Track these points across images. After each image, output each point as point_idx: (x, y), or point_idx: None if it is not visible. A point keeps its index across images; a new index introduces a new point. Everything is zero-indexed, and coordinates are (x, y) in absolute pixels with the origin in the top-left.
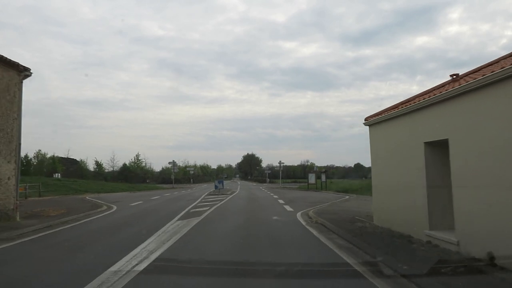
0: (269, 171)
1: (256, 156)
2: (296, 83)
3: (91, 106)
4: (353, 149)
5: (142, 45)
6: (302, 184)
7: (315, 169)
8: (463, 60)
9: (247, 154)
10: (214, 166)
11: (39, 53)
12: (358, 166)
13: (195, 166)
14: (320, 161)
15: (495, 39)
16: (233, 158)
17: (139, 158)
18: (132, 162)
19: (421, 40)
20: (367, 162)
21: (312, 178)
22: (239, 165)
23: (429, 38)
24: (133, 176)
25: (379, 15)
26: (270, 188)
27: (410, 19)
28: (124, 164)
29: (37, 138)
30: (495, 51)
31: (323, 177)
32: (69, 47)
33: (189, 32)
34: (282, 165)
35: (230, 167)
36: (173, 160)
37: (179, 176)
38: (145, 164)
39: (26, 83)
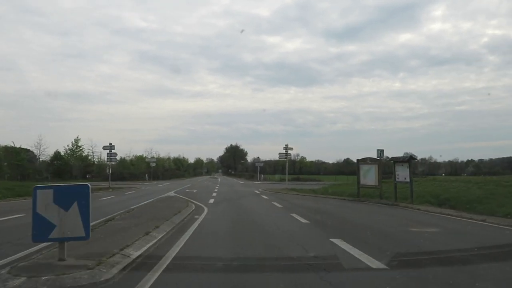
0: (261, 164)
1: (241, 148)
2: (279, 78)
3: (71, 99)
4: (336, 145)
5: (123, 36)
6: (315, 183)
7: (380, 156)
8: (445, 58)
9: (231, 145)
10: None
11: (16, 43)
12: (348, 162)
13: (168, 158)
14: (306, 157)
15: (476, 37)
16: (215, 152)
17: (79, 145)
18: (69, 149)
19: (404, 37)
20: (357, 157)
21: (370, 174)
22: (221, 158)
23: (412, 35)
24: (70, 169)
25: (363, 11)
26: (281, 197)
27: (393, 16)
28: (57, 153)
29: (13, 131)
30: (476, 49)
31: (403, 172)
32: (47, 37)
33: (171, 24)
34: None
35: (211, 161)
36: (110, 143)
37: (142, 169)
38: (91, 153)
39: (2, 74)
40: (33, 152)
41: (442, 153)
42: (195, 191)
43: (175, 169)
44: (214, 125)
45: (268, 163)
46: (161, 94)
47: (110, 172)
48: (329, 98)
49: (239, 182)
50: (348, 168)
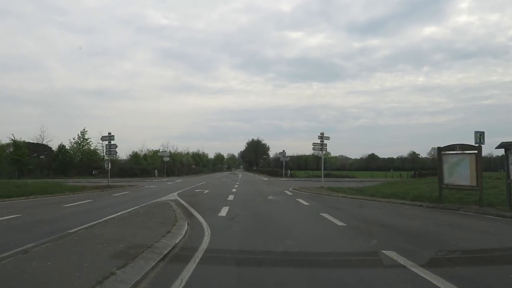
0: (287, 159)
1: (263, 142)
2: (301, 74)
3: (95, 96)
4: (359, 140)
5: (146, 34)
6: (350, 180)
7: (479, 142)
8: (471, 51)
9: (252, 140)
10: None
11: (42, 42)
12: (373, 158)
13: (186, 154)
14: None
15: (504, 29)
16: (238, 149)
17: (86, 138)
18: (75, 142)
19: (429, 30)
20: (381, 153)
21: (461, 169)
22: (242, 153)
23: (437, 28)
24: (76, 164)
25: (386, 5)
26: (328, 204)
27: (418, 9)
28: (61, 146)
29: (41, 127)
30: (503, 42)
31: None
32: (72, 36)
33: (193, 21)
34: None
35: (233, 156)
36: (109, 133)
37: (157, 164)
38: (101, 147)
39: (29, 72)
40: (51, 148)
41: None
42: (206, 191)
43: (194, 164)
44: (236, 122)
45: (291, 158)
46: (183, 90)
47: (109, 167)
48: (351, 94)
49: (262, 179)
50: (374, 163)
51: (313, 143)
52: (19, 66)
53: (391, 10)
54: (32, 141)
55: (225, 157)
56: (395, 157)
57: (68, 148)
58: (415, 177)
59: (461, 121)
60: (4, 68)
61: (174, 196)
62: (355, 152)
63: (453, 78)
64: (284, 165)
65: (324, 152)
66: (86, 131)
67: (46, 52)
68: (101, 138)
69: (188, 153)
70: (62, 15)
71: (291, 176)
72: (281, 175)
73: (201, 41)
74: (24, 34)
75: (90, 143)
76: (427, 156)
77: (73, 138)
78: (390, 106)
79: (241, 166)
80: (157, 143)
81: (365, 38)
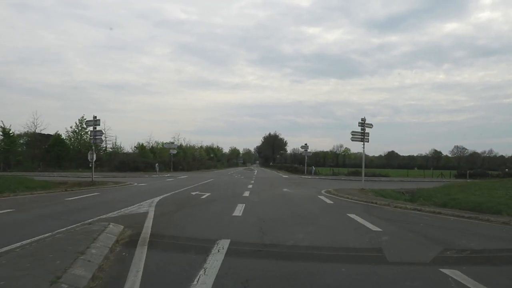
0: (310, 154)
1: (280, 137)
2: (318, 69)
3: (114, 90)
4: (376, 138)
5: (164, 28)
6: (388, 179)
7: None
8: (494, 48)
9: (269, 134)
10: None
11: (63, 36)
12: (392, 155)
13: (199, 147)
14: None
15: None
16: (253, 144)
17: (85, 127)
18: (72, 131)
19: (450, 26)
20: (399, 150)
21: None
22: (259, 148)
23: (459, 24)
24: (71, 155)
25: (406, 0)
26: (450, 238)
27: (439, 5)
28: (56, 136)
29: (61, 120)
30: None
31: None
32: (92, 30)
33: (211, 16)
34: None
35: (248, 152)
36: (94, 117)
37: (165, 157)
38: (103, 137)
39: (50, 66)
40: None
41: (487, 147)
42: (205, 196)
43: (207, 159)
44: (252, 117)
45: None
46: (201, 85)
47: (94, 159)
48: (369, 90)
49: (281, 177)
50: (395, 161)
51: (352, 131)
52: (40, 60)
53: (411, 6)
54: (44, 132)
55: (241, 152)
56: (415, 154)
57: (65, 137)
58: (460, 177)
59: (481, 119)
60: (24, 61)
61: (148, 205)
62: (373, 149)
63: (474, 76)
64: (306, 161)
65: (365, 142)
66: (85, 119)
67: (66, 46)
68: (85, 123)
69: (201, 147)
70: (81, 9)
71: (315, 173)
72: (302, 172)
73: (219, 36)
74: (45, 28)
75: (89, 132)
76: (448, 155)
77: (70, 127)
78: (409, 103)
79: (257, 162)
80: (171, 137)
81: (384, 34)
